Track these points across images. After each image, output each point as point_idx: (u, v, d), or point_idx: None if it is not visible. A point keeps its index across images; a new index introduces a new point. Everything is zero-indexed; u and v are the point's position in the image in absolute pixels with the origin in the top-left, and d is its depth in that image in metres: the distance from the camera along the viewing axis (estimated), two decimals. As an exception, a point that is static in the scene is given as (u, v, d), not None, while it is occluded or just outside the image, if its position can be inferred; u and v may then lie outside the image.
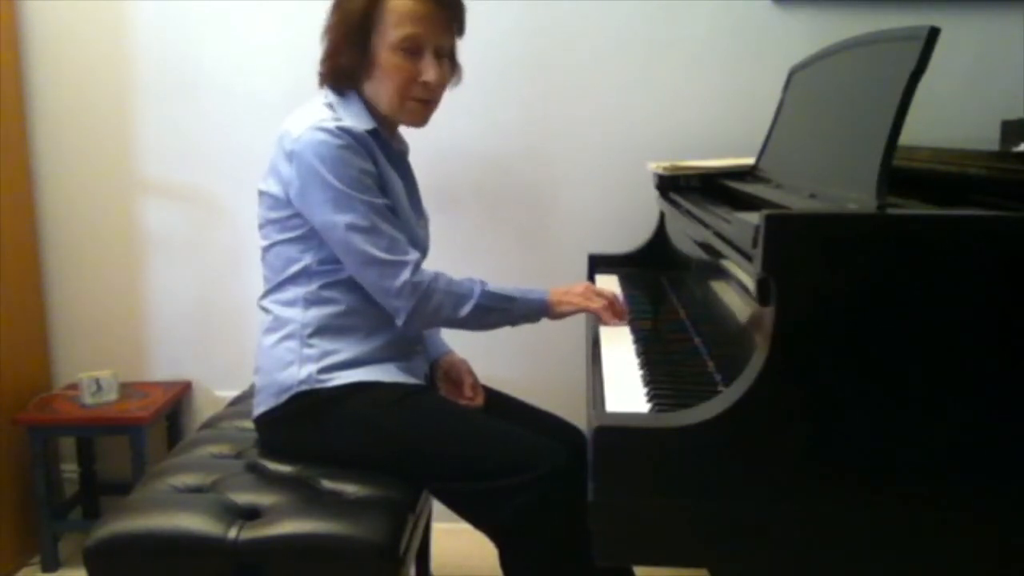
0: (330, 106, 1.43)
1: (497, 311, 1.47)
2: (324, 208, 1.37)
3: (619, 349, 1.38)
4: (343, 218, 1.36)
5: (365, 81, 1.45)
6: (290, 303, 1.45)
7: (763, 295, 0.95)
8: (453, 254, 2.04)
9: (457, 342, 1.70)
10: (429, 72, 1.43)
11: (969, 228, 0.91)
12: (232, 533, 1.26)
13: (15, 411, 2.12)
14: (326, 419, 1.41)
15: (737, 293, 1.20)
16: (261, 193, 1.47)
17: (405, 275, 1.39)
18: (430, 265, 1.50)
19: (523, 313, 1.50)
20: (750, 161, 1.74)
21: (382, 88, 1.44)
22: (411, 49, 1.41)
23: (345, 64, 1.43)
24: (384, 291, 1.40)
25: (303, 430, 1.43)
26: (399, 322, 1.42)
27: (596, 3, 2.11)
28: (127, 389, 2.20)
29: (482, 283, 1.47)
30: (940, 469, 0.93)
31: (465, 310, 1.43)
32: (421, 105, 1.46)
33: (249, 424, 1.54)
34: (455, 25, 1.47)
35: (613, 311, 1.52)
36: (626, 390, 1.19)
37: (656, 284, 1.90)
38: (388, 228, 1.39)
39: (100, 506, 2.32)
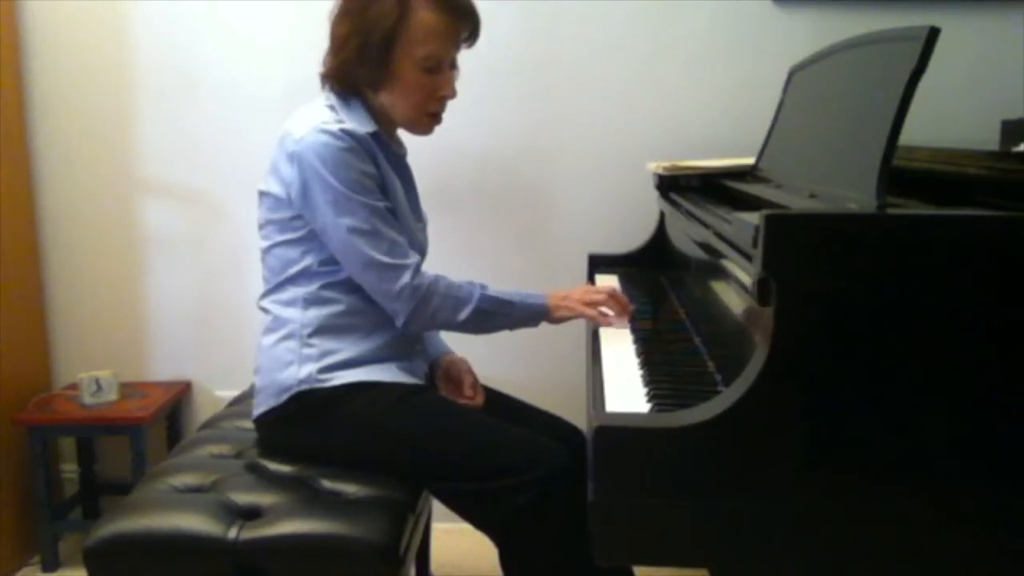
0: (332, 108, 1.43)
1: (496, 315, 1.47)
2: (325, 210, 1.37)
3: (619, 349, 1.38)
4: (344, 220, 1.36)
5: (380, 91, 1.44)
6: (289, 303, 1.45)
7: (763, 295, 0.95)
8: (453, 254, 2.05)
9: (457, 342, 1.70)
10: (448, 88, 1.45)
11: (969, 228, 0.91)
12: (232, 533, 1.26)
13: (15, 411, 2.12)
14: (326, 419, 1.41)
15: (737, 293, 1.20)
16: (262, 193, 1.47)
17: (405, 278, 1.39)
18: (429, 265, 1.50)
19: (522, 317, 1.51)
20: (750, 161, 1.74)
21: (401, 102, 1.44)
22: (433, 67, 1.42)
23: (362, 76, 1.42)
24: (384, 294, 1.40)
25: (303, 430, 1.43)
26: (398, 324, 1.42)
27: (596, 3, 2.11)
28: (127, 389, 2.20)
29: (482, 287, 1.47)
30: (940, 469, 0.93)
31: (464, 314, 1.44)
32: (435, 119, 1.49)
33: (249, 424, 1.54)
34: (472, 38, 1.48)
35: (615, 304, 1.52)
36: (626, 390, 1.19)
37: (656, 284, 1.90)
38: (389, 231, 1.39)
39: (100, 506, 2.32)
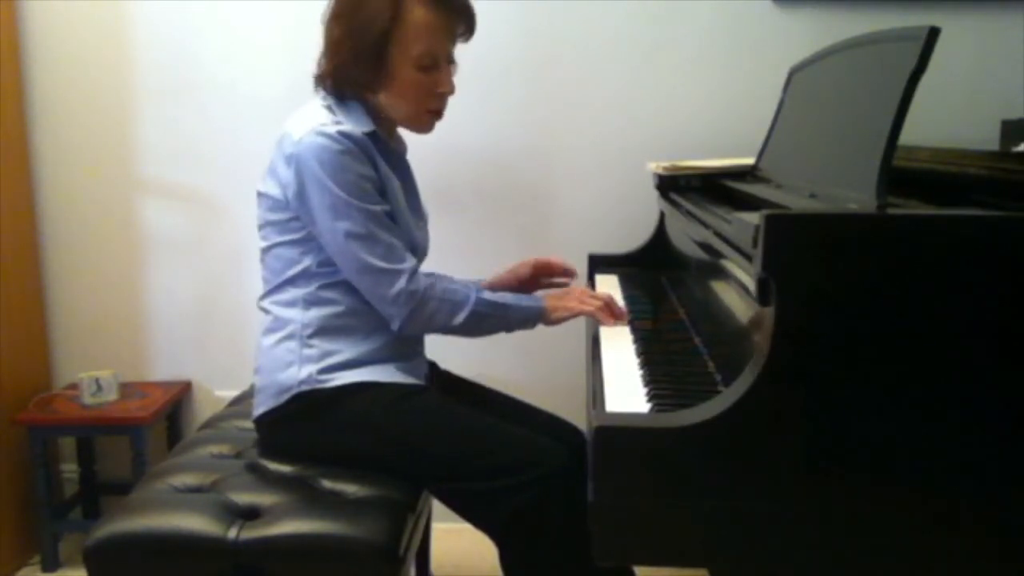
0: (329, 108, 1.43)
1: (492, 318, 1.47)
2: (322, 214, 1.37)
3: (619, 349, 1.38)
4: (341, 225, 1.36)
5: (379, 92, 1.44)
6: (290, 304, 1.45)
7: (763, 295, 0.95)
8: (453, 254, 2.05)
9: (457, 342, 1.70)
10: (446, 84, 1.45)
11: (969, 228, 0.91)
12: (232, 533, 1.26)
13: (15, 411, 2.12)
14: (326, 419, 1.41)
15: (737, 293, 1.20)
16: (260, 194, 1.46)
17: (401, 283, 1.39)
18: (430, 265, 1.50)
19: (519, 320, 1.50)
20: (750, 161, 1.74)
21: (401, 102, 1.44)
22: (430, 64, 1.42)
23: (359, 78, 1.42)
24: (380, 298, 1.40)
25: (303, 430, 1.43)
26: (394, 328, 1.42)
27: (596, 3, 2.11)
28: (127, 389, 2.20)
29: (478, 290, 1.47)
30: (940, 469, 0.93)
31: (460, 318, 1.44)
32: (436, 116, 1.49)
33: (249, 424, 1.54)
34: (467, 33, 1.48)
35: (610, 312, 1.52)
36: (626, 390, 1.19)
37: (656, 284, 1.90)
38: (385, 235, 1.39)
39: (100, 506, 2.32)
